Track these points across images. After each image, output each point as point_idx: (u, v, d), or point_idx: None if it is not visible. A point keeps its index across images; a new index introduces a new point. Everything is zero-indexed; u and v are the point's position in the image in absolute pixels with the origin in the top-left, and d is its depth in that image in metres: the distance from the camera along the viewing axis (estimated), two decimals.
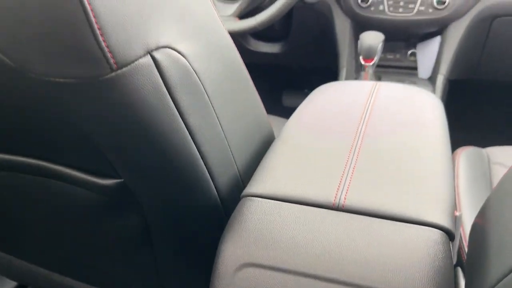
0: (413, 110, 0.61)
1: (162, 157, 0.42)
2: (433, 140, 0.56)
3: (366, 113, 0.58)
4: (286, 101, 1.88)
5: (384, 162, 0.48)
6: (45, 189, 0.56)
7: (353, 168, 0.46)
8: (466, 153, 0.91)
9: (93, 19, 0.31)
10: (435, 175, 0.48)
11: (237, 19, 1.13)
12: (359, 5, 1.20)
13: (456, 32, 1.18)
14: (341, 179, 0.45)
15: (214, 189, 0.47)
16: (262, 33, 1.26)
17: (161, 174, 0.45)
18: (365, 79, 1.12)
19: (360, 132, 0.53)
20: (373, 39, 1.07)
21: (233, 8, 1.12)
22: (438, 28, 1.21)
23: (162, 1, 0.37)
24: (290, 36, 1.44)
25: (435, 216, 0.40)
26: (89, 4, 0.31)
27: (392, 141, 0.53)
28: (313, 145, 0.52)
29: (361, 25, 1.26)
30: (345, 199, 0.42)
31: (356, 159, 0.48)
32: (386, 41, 1.14)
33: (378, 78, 1.24)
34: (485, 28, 1.19)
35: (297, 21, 1.38)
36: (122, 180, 0.48)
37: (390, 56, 1.32)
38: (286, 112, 1.91)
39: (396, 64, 1.33)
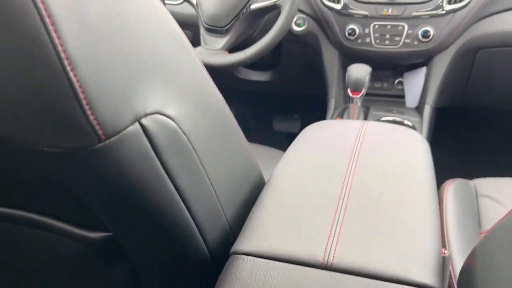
0: (400, 156, 0.62)
1: (150, 217, 0.42)
2: (420, 187, 0.57)
3: (353, 160, 0.59)
4: (277, 126, 1.89)
5: (371, 215, 0.49)
6: (31, 239, 0.55)
7: (341, 222, 0.47)
8: (453, 186, 0.92)
9: (80, 94, 0.32)
10: (422, 226, 0.49)
11: (226, 52, 1.14)
12: (346, 37, 1.23)
13: (441, 63, 1.20)
14: (329, 235, 0.45)
15: (204, 244, 0.47)
16: (252, 62, 1.28)
17: (149, 230, 0.45)
18: (354, 110, 1.13)
19: (348, 181, 0.54)
20: (360, 72, 1.09)
21: (223, 41, 1.14)
22: (423, 59, 1.23)
23: (150, 67, 0.38)
24: (279, 65, 1.46)
25: (422, 276, 0.41)
26: (77, 79, 0.31)
27: (379, 191, 0.53)
28: (302, 195, 0.52)
29: (348, 56, 1.28)
30: (333, 257, 0.42)
31: (344, 212, 0.48)
32: (373, 69, 1.16)
33: (367, 108, 1.26)
34: (469, 59, 1.22)
35: (286, 51, 1.40)
36: (111, 233, 0.48)
37: (377, 85, 1.35)
38: (276, 136, 1.92)
39: (384, 92, 1.35)
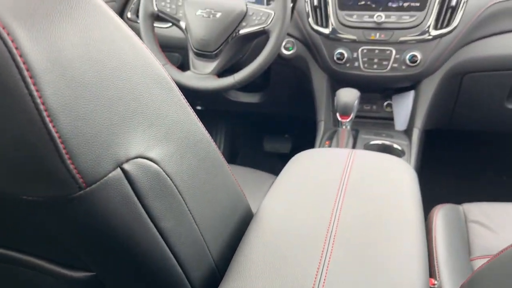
0: (388, 188, 0.62)
1: (133, 260, 0.42)
2: (407, 219, 0.57)
3: (340, 194, 0.58)
4: (267, 146, 1.89)
5: (358, 251, 0.48)
6: (15, 277, 0.54)
7: (328, 261, 0.46)
8: (443, 212, 0.92)
9: (60, 145, 0.31)
10: (410, 259, 0.49)
11: (215, 76, 1.14)
12: (335, 61, 1.24)
13: (429, 87, 1.22)
14: (316, 276, 0.45)
15: (188, 284, 0.46)
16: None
17: (132, 272, 0.44)
18: (343, 134, 1.14)
19: (335, 216, 0.54)
20: (349, 96, 1.09)
21: (212, 66, 1.14)
22: (411, 83, 1.24)
23: (133, 110, 0.38)
24: (269, 87, 1.47)
25: None
26: (56, 130, 0.31)
27: (366, 225, 0.53)
28: (289, 232, 0.52)
29: (337, 80, 1.29)
30: None
31: (331, 250, 0.48)
32: (362, 92, 1.17)
33: (356, 131, 1.26)
34: (456, 83, 1.23)
35: (276, 74, 1.40)
36: (94, 273, 0.47)
37: (367, 107, 1.35)
38: (267, 157, 1.92)
39: (373, 115, 1.35)
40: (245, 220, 0.58)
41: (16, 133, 0.31)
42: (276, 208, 0.58)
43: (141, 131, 0.38)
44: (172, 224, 0.42)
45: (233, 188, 0.55)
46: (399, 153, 1.16)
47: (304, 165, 0.71)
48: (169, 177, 0.41)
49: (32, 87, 0.29)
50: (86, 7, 0.35)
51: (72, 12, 0.33)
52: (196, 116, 0.48)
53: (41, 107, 0.30)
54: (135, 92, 0.38)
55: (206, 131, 0.50)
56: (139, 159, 0.38)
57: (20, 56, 0.29)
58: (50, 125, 0.30)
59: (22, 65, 0.29)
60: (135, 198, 0.38)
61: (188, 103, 0.47)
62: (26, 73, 0.29)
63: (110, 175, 0.35)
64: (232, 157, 1.88)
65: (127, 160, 0.37)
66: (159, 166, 0.40)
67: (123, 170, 0.36)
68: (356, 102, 1.10)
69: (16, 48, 0.29)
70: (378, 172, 0.66)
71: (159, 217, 0.40)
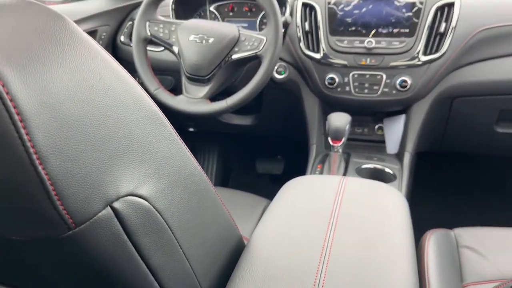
0: (379, 217, 0.62)
1: None
2: (398, 248, 0.57)
3: (332, 224, 0.58)
4: (260, 167, 1.89)
5: (350, 286, 0.48)
6: None
7: None
8: (434, 237, 0.92)
9: (49, 186, 0.31)
10: None
11: (208, 101, 1.15)
12: (326, 86, 1.25)
13: (420, 111, 1.23)
14: None
15: None
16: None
17: None
18: (334, 158, 1.14)
19: (326, 248, 0.54)
20: (340, 120, 1.10)
21: (204, 90, 1.14)
22: (402, 107, 1.26)
23: (124, 148, 0.38)
24: (261, 110, 1.48)
25: None
26: (45, 172, 0.31)
27: (357, 256, 0.53)
28: (279, 265, 0.52)
29: (329, 103, 1.30)
30: None
31: (323, 285, 0.48)
32: (353, 115, 1.18)
33: (348, 155, 1.27)
34: (446, 107, 1.25)
35: (268, 97, 1.41)
36: None
37: (358, 130, 1.37)
38: (259, 178, 1.91)
39: (364, 138, 1.36)
40: (237, 252, 0.58)
41: (5, 175, 0.31)
42: (267, 239, 0.58)
43: (131, 168, 0.38)
44: (162, 261, 0.42)
45: (224, 220, 0.55)
46: (390, 177, 1.17)
47: (295, 193, 0.71)
48: (160, 213, 0.41)
49: (22, 131, 0.29)
50: (77, 47, 0.35)
51: (63, 53, 0.34)
52: (187, 148, 0.49)
53: (31, 150, 0.30)
54: (126, 129, 0.38)
55: (198, 163, 0.50)
56: (129, 197, 0.38)
57: (11, 100, 0.29)
58: (40, 167, 0.30)
59: (12, 109, 0.29)
60: (125, 236, 0.37)
61: (179, 137, 0.47)
62: (16, 117, 0.29)
63: (99, 214, 0.35)
64: (225, 178, 1.88)
65: (117, 198, 0.36)
66: (150, 203, 0.40)
67: (113, 208, 0.36)
68: (347, 127, 1.11)
69: (7, 93, 0.29)
70: (369, 202, 0.66)
71: (149, 254, 0.40)
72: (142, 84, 1.17)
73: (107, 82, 0.37)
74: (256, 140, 1.86)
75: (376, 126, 1.35)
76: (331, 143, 1.12)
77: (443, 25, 1.15)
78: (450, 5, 1.15)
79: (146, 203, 0.39)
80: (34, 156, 0.30)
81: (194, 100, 1.14)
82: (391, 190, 0.71)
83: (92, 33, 1.33)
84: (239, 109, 1.19)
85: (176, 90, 1.39)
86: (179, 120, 1.37)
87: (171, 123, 0.45)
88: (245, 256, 0.55)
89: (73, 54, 0.34)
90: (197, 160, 0.49)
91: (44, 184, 0.31)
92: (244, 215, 1.01)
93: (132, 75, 0.42)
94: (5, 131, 0.29)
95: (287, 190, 0.73)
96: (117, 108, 0.37)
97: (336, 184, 0.70)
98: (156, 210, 0.40)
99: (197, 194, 0.48)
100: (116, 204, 0.36)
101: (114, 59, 0.40)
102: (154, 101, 0.44)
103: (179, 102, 1.14)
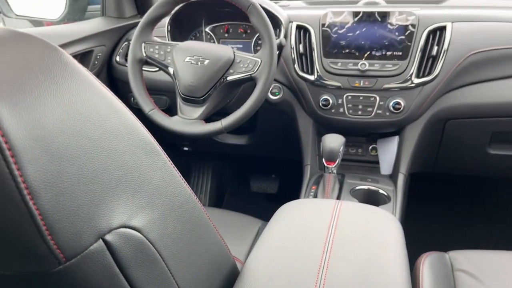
0: (373, 242, 0.61)
1: None
2: (392, 273, 0.57)
3: (327, 249, 0.58)
4: (254, 186, 1.88)
5: None
6: None
7: None
8: (429, 260, 0.92)
9: (39, 222, 0.31)
10: None
11: (203, 121, 1.15)
12: (320, 107, 1.26)
13: (413, 133, 1.24)
14: None
15: None
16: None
17: None
18: (329, 180, 1.14)
19: (321, 277, 0.53)
20: (334, 142, 1.11)
21: (199, 111, 1.15)
22: (395, 129, 1.27)
23: (117, 180, 0.37)
24: (256, 130, 1.48)
25: None
26: (36, 207, 0.30)
27: (352, 282, 0.53)
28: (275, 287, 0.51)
29: (323, 124, 1.31)
30: None
31: None
32: (347, 136, 1.19)
33: (342, 176, 1.27)
34: (439, 129, 1.26)
35: (262, 118, 1.42)
36: None
37: (352, 151, 1.37)
38: (254, 197, 1.90)
39: (358, 158, 1.37)
40: (230, 278, 0.57)
41: None
42: (262, 264, 0.57)
43: (124, 200, 0.38)
44: None
45: (217, 247, 0.54)
46: (385, 199, 1.17)
47: (290, 218, 0.70)
48: (152, 244, 0.41)
49: (13, 166, 0.29)
50: (71, 79, 0.35)
51: (57, 86, 0.34)
52: (181, 176, 0.48)
53: (22, 185, 0.29)
54: (119, 161, 0.38)
55: (191, 190, 0.50)
56: (122, 229, 0.37)
57: (2, 135, 0.29)
58: (31, 202, 0.30)
59: (4, 145, 0.29)
60: (117, 269, 0.37)
61: (173, 164, 0.47)
62: (7, 153, 0.29)
63: (91, 247, 0.35)
64: (219, 197, 1.87)
65: (110, 231, 0.36)
66: (142, 234, 0.39)
67: (105, 241, 0.36)
68: (341, 148, 1.11)
69: None
70: (364, 227, 0.66)
71: (141, 286, 0.39)
72: (137, 104, 1.17)
73: (100, 114, 0.37)
74: (251, 159, 1.86)
75: (370, 147, 1.36)
76: (325, 164, 1.12)
77: (435, 48, 1.17)
78: (442, 29, 1.17)
79: (139, 234, 0.39)
80: (25, 192, 0.29)
81: (189, 121, 1.14)
82: (386, 216, 0.71)
83: (88, 53, 1.34)
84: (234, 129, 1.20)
85: (171, 110, 1.40)
86: (174, 140, 1.37)
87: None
88: (241, 280, 0.54)
89: (67, 86, 0.34)
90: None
91: (34, 219, 0.30)
92: (238, 237, 1.00)
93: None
94: None
95: (282, 214, 0.73)
96: (111, 139, 0.37)
97: (331, 209, 0.70)
98: (149, 241, 0.40)
99: (191, 222, 0.48)
100: (108, 237, 0.36)
101: (108, 90, 0.40)
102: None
103: (174, 123, 1.14)
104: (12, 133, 0.29)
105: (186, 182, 0.49)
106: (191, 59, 1.13)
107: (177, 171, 0.48)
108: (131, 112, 0.42)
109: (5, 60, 0.32)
